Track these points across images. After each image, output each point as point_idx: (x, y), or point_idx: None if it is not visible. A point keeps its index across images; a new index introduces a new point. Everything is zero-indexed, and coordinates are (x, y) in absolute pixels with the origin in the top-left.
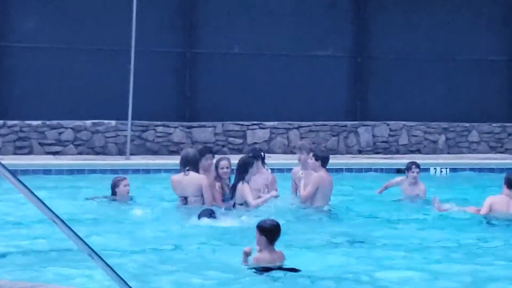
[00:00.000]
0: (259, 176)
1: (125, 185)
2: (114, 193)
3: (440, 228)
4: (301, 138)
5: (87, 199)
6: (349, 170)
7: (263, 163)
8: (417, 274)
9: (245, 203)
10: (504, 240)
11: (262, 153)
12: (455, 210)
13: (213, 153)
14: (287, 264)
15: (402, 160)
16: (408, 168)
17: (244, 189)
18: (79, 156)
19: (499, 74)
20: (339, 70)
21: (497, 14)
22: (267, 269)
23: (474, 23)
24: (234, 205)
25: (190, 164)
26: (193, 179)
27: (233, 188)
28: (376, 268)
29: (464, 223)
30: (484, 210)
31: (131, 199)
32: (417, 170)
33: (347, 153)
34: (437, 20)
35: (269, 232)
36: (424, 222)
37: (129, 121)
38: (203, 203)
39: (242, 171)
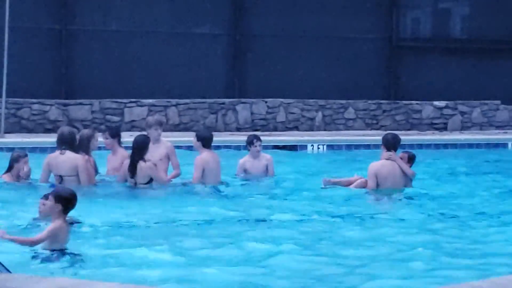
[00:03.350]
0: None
1: (25, 162)
2: (9, 169)
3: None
4: (179, 115)
5: None
6: (228, 147)
7: (119, 142)
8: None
9: (150, 182)
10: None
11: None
12: (342, 182)
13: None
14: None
15: (280, 137)
16: (251, 142)
17: (152, 168)
18: None
19: (375, 52)
20: (217, 47)
21: None
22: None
23: (350, 1)
24: (135, 184)
25: (66, 143)
26: (69, 158)
27: (133, 166)
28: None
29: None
30: (371, 183)
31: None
32: (259, 143)
33: (226, 130)
34: (313, 1)
35: (68, 200)
36: (304, 199)
37: (3, 99)
38: (79, 183)
39: (141, 149)
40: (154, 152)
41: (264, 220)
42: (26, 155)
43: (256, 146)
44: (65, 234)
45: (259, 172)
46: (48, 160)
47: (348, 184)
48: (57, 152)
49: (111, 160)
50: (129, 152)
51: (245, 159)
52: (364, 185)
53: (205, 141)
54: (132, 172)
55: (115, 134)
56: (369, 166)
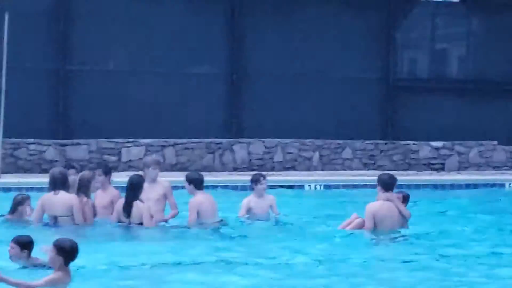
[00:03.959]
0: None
1: (29, 204)
2: (14, 211)
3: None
4: (177, 155)
5: None
6: (225, 187)
7: (110, 180)
8: None
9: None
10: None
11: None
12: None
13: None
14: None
15: (278, 177)
16: (257, 180)
17: (145, 209)
18: None
19: (371, 92)
20: (215, 87)
21: (369, 32)
22: None
23: (347, 41)
24: (129, 224)
25: (59, 183)
26: (63, 198)
27: (128, 206)
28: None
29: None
30: (368, 224)
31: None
32: (265, 181)
33: (223, 170)
34: (310, 38)
35: (69, 253)
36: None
37: (0, 139)
38: (74, 223)
39: (137, 189)
40: (151, 192)
41: (269, 262)
42: (29, 197)
43: (262, 184)
44: (64, 286)
45: (264, 212)
46: (42, 201)
47: (347, 224)
48: (51, 193)
49: (100, 196)
50: (119, 190)
51: (250, 199)
52: (361, 226)
53: (196, 183)
54: (127, 212)
55: (107, 171)
56: (366, 206)
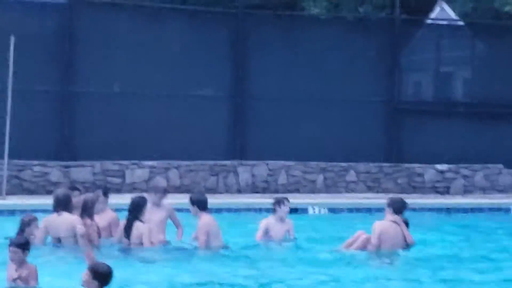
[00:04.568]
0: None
1: (36, 226)
2: (21, 233)
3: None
4: (180, 177)
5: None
6: (229, 210)
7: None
8: None
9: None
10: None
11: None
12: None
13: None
14: None
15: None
16: (280, 201)
17: (145, 230)
18: None
19: (375, 114)
20: (219, 109)
21: (374, 55)
22: None
23: (351, 64)
24: (129, 245)
25: (62, 205)
26: (66, 219)
27: (129, 227)
28: None
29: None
30: (374, 241)
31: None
32: (289, 204)
33: (226, 192)
34: (315, 60)
35: (104, 277)
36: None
37: (6, 161)
38: (77, 244)
39: (138, 210)
40: (155, 214)
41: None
42: (36, 219)
43: (285, 207)
44: None
45: (281, 236)
46: (46, 223)
47: (352, 242)
48: (55, 214)
49: (97, 218)
50: (123, 212)
51: (269, 221)
52: (365, 244)
53: (201, 204)
54: (128, 232)
55: (107, 193)
56: (374, 224)
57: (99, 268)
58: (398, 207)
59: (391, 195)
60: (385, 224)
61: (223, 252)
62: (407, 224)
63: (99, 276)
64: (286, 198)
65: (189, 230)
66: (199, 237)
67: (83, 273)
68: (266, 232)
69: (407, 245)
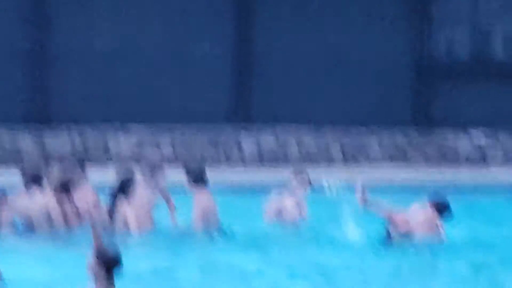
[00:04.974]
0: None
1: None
2: None
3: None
4: (173, 146)
5: None
6: (230, 186)
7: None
8: None
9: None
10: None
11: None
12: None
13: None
14: None
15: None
16: (296, 174)
17: (132, 212)
18: None
19: (401, 75)
20: (218, 68)
21: (401, 6)
22: None
23: (374, 16)
24: (114, 231)
25: (33, 181)
26: (38, 198)
27: (113, 209)
28: None
29: None
30: (405, 225)
31: None
32: (307, 178)
33: (228, 165)
34: (331, 11)
35: (113, 263)
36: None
37: None
38: (51, 225)
39: (125, 188)
40: (144, 193)
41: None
42: (5, 197)
43: (304, 182)
44: None
45: (296, 217)
46: (13, 201)
47: (389, 215)
48: (24, 191)
49: (75, 197)
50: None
51: (281, 199)
52: (400, 224)
53: (197, 177)
54: (112, 215)
55: (83, 166)
56: (411, 207)
57: (106, 253)
58: (440, 209)
59: (421, 171)
60: (422, 211)
61: (224, 237)
62: (442, 208)
63: (107, 262)
64: (305, 170)
65: (182, 211)
66: (195, 219)
67: (88, 260)
68: (278, 212)
69: (440, 236)
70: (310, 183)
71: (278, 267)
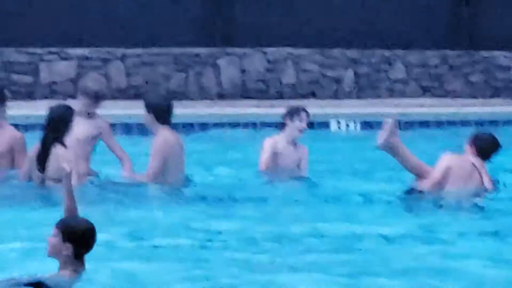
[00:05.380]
0: None
1: None
2: None
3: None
4: (128, 75)
5: None
6: (204, 125)
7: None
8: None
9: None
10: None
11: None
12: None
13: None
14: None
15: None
16: (294, 112)
17: (68, 158)
18: None
19: None
20: None
21: None
22: None
23: None
24: (43, 181)
25: None
26: None
27: (44, 153)
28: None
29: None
30: (437, 175)
31: None
32: (308, 117)
33: (202, 98)
34: None
35: (82, 238)
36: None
37: None
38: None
39: (59, 127)
40: (83, 133)
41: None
42: None
43: (302, 122)
44: None
45: (293, 166)
46: None
47: (417, 165)
48: None
49: None
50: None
51: (276, 141)
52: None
53: (161, 114)
54: (42, 162)
55: (4, 98)
56: (442, 156)
57: (73, 225)
58: (485, 150)
59: (466, 109)
60: (458, 160)
61: (191, 191)
62: (490, 149)
63: (74, 236)
64: (305, 110)
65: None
66: (151, 163)
67: (50, 234)
68: (274, 158)
69: (484, 191)
70: (311, 123)
71: (263, 228)
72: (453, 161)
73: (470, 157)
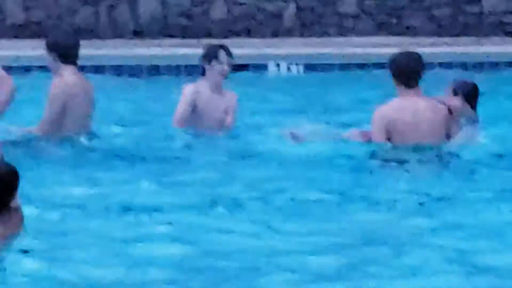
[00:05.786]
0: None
1: None
2: None
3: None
4: (25, 8)
5: None
6: (118, 68)
7: None
8: None
9: None
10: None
11: None
12: (325, 137)
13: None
14: None
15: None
16: (211, 53)
17: None
18: None
19: None
20: None
21: None
22: None
23: None
24: None
25: None
26: None
27: None
28: None
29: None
30: (378, 134)
31: None
32: (229, 59)
33: (115, 36)
34: None
35: (6, 184)
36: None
37: None
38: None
39: None
40: None
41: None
42: None
43: (222, 64)
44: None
45: (218, 118)
46: None
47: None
48: None
49: None
50: None
51: (197, 89)
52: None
53: (64, 52)
54: None
55: None
56: (390, 101)
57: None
58: (471, 96)
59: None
60: (396, 104)
61: (90, 147)
62: (467, 91)
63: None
64: (225, 47)
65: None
66: (46, 110)
67: None
68: (194, 108)
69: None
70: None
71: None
72: (393, 108)
73: (455, 101)
